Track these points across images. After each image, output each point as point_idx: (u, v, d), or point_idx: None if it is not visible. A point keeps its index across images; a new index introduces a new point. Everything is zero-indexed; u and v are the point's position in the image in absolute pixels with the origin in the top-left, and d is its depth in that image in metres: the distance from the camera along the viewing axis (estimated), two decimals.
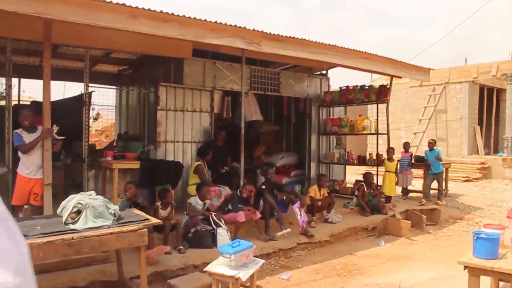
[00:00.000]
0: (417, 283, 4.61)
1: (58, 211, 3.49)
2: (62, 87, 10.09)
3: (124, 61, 8.82)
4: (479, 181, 12.82)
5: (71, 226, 3.20)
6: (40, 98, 5.35)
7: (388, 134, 8.39)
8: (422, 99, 15.41)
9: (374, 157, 8.58)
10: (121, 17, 4.31)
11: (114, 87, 9.65)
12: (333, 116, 9.35)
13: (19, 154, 4.62)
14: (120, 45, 6.43)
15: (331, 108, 9.41)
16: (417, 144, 14.10)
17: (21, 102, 8.68)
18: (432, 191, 9.14)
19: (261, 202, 5.97)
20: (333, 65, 8.41)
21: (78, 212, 3.30)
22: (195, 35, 4.96)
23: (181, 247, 4.88)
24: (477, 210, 8.51)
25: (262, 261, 4.03)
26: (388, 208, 7.74)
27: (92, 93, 7.68)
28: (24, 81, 8.76)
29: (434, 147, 9.35)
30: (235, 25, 5.25)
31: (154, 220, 3.67)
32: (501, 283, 3.24)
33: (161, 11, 4.56)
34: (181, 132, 7.03)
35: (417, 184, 9.88)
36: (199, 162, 6.54)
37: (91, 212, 3.30)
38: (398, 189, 9.16)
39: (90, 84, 6.26)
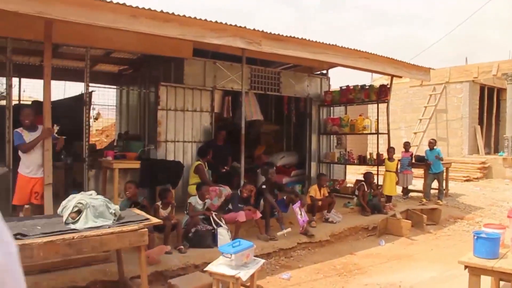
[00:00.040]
0: (418, 283, 4.60)
1: (59, 210, 3.49)
2: (63, 87, 10.14)
3: (125, 61, 8.83)
4: (479, 180, 12.81)
5: (72, 226, 3.20)
6: (40, 98, 5.35)
7: (388, 133, 8.39)
8: (422, 98, 15.40)
9: (375, 156, 8.58)
10: (122, 17, 4.31)
11: (115, 87, 9.66)
12: (334, 116, 9.35)
13: (19, 153, 4.63)
14: (121, 45, 6.44)
15: (332, 108, 9.41)
16: (417, 144, 14.09)
17: (21, 102, 8.70)
18: (432, 191, 9.13)
19: (262, 201, 5.96)
20: (334, 65, 8.41)
21: (79, 212, 3.30)
22: (195, 35, 4.96)
23: (182, 246, 4.89)
24: (477, 210, 8.51)
25: (263, 260, 4.03)
26: (388, 207, 7.74)
27: (93, 92, 7.69)
28: (24, 80, 8.78)
29: (435, 147, 9.35)
30: (236, 25, 5.25)
31: (155, 220, 3.67)
32: (501, 283, 3.25)
33: (162, 11, 4.56)
34: (182, 131, 7.03)
35: (417, 183, 9.88)
36: (199, 162, 6.54)
37: (91, 211, 3.30)
38: (399, 189, 9.16)
39: (90, 84, 6.26)
